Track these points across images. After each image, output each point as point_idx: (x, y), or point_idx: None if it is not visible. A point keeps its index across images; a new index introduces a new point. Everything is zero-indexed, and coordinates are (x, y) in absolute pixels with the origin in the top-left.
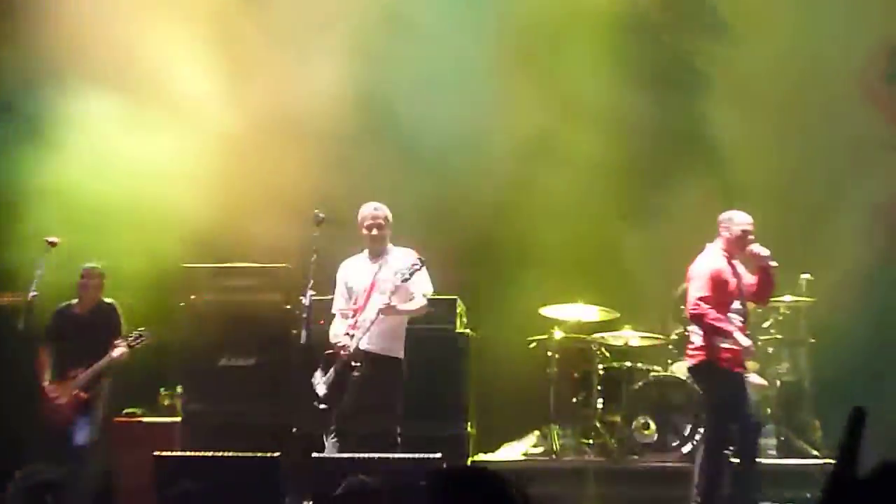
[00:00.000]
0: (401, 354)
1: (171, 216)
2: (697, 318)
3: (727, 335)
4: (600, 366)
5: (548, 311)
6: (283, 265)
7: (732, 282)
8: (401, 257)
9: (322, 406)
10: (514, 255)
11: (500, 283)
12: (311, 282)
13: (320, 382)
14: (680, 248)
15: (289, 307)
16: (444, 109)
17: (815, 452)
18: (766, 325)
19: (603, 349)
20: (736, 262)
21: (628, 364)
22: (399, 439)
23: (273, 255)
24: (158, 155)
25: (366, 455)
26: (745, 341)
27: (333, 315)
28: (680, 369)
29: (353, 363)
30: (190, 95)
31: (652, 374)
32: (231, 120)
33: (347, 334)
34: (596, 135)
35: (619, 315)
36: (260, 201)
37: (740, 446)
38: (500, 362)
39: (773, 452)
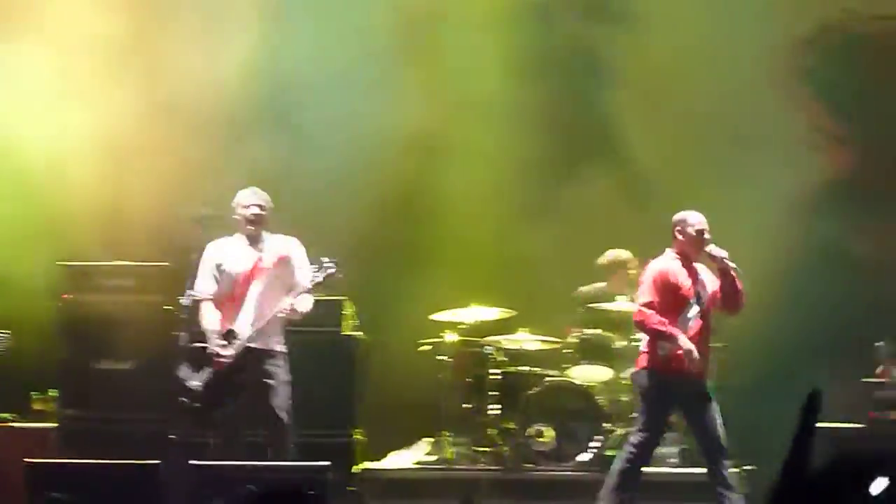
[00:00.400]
0: (285, 348)
1: (42, 211)
2: (639, 325)
3: (671, 339)
4: (494, 371)
5: (441, 315)
6: (163, 264)
7: (684, 285)
8: (281, 245)
9: (195, 405)
10: (407, 254)
11: (392, 284)
12: (192, 282)
13: (193, 378)
14: (581, 247)
15: (169, 308)
16: (333, 101)
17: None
18: None
19: (497, 353)
20: (698, 267)
21: (524, 369)
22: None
23: (152, 253)
24: (29, 144)
25: (249, 463)
26: (686, 344)
27: (197, 299)
28: (578, 374)
29: (236, 363)
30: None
31: (548, 379)
32: (107, 107)
33: (230, 333)
34: (493, 128)
35: (515, 314)
36: (137, 196)
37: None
38: (391, 367)
39: (675, 461)
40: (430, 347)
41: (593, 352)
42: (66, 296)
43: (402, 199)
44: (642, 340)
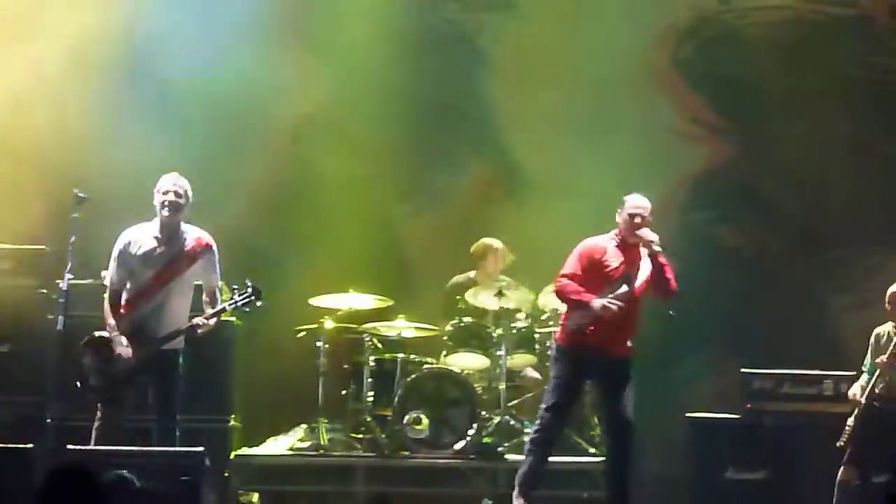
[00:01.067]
0: (182, 344)
1: None
2: (556, 293)
3: (585, 306)
4: (372, 357)
5: (318, 301)
6: (39, 247)
7: (610, 265)
8: (196, 241)
9: (92, 395)
10: (284, 238)
11: (269, 269)
12: (70, 265)
13: (93, 368)
14: (458, 234)
15: (44, 292)
16: (214, 84)
17: (592, 450)
18: (544, 317)
19: (375, 340)
20: (634, 249)
21: (401, 356)
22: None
23: (25, 236)
24: None
25: (125, 448)
26: (597, 304)
27: (105, 287)
28: (455, 362)
29: (141, 363)
30: None
31: (426, 366)
32: None
33: (139, 338)
34: (370, 113)
35: (392, 303)
36: (8, 176)
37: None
38: (268, 352)
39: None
40: (307, 333)
41: (470, 340)
42: None
43: (278, 183)
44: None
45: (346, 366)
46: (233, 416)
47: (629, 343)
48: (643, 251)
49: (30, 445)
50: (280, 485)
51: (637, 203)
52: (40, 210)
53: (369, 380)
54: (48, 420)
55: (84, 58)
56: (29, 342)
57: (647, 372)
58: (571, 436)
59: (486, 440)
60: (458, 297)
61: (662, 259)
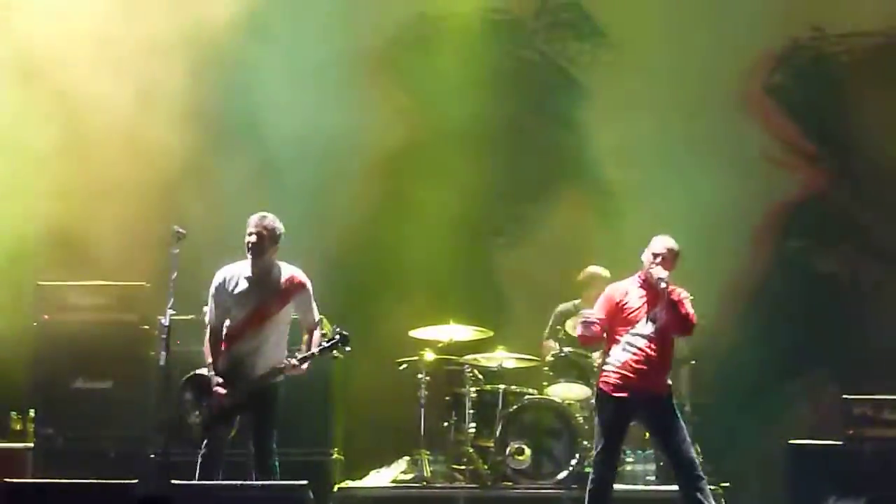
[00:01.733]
0: (280, 377)
1: (15, 231)
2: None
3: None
4: (472, 389)
5: (419, 333)
6: (141, 283)
7: (632, 306)
8: (290, 280)
9: (192, 430)
10: (381, 273)
11: (368, 303)
12: (172, 301)
13: (193, 404)
14: (554, 265)
15: (146, 328)
16: (306, 121)
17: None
18: None
19: (475, 371)
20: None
21: (502, 387)
22: (276, 467)
23: (127, 273)
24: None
25: (228, 483)
26: (619, 356)
27: (207, 325)
28: (556, 392)
29: (237, 402)
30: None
31: (526, 397)
32: (75, 125)
33: (239, 376)
34: (466, 147)
35: (492, 334)
36: (109, 215)
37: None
38: (369, 386)
39: (653, 479)
40: (408, 366)
41: (570, 370)
42: (45, 316)
43: (372, 218)
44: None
45: (447, 397)
46: (335, 448)
47: (666, 379)
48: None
49: (134, 481)
50: None
51: (660, 244)
52: (141, 247)
53: (470, 411)
54: (151, 455)
55: (185, 102)
56: (132, 378)
57: (745, 399)
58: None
59: (587, 470)
60: (560, 326)
61: (675, 296)
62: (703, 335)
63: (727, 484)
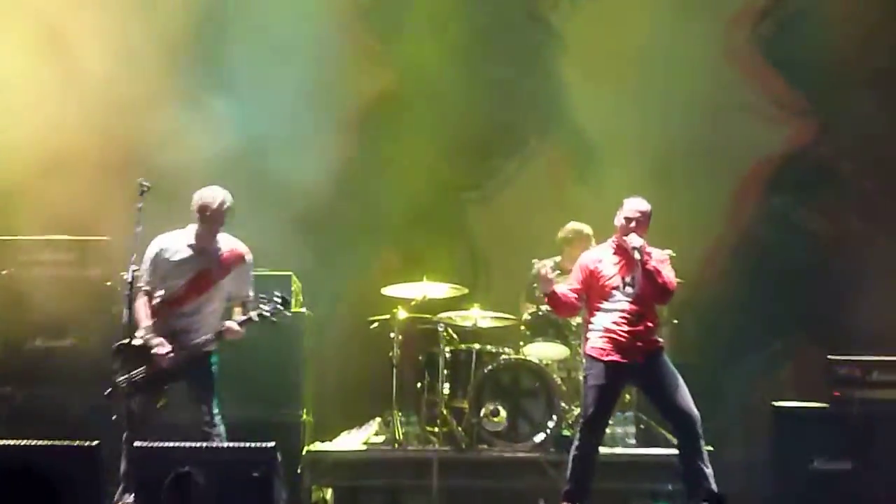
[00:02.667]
0: (215, 346)
1: None
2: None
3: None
4: (447, 348)
5: (391, 290)
6: (104, 238)
7: (607, 273)
8: (231, 251)
9: (122, 403)
10: (352, 227)
11: (337, 258)
12: (136, 256)
13: (121, 373)
14: (531, 221)
15: (109, 284)
16: (277, 72)
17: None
18: None
19: (450, 330)
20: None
21: (477, 346)
22: (218, 429)
23: (90, 226)
24: None
25: (194, 444)
26: (602, 322)
27: (139, 289)
28: (533, 352)
29: (172, 368)
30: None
31: (503, 357)
32: (46, 78)
33: (176, 343)
34: (438, 95)
35: (467, 292)
36: (72, 164)
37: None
38: (339, 345)
39: (633, 442)
40: (379, 324)
41: (548, 329)
42: (2, 272)
43: (349, 170)
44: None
45: (420, 357)
46: (304, 410)
47: (655, 337)
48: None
49: (96, 443)
50: (354, 480)
51: (632, 206)
52: (101, 199)
53: (444, 371)
54: (113, 417)
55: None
56: (94, 336)
57: (726, 361)
58: (655, 427)
59: (565, 432)
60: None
61: (650, 266)
62: (683, 292)
63: (710, 448)
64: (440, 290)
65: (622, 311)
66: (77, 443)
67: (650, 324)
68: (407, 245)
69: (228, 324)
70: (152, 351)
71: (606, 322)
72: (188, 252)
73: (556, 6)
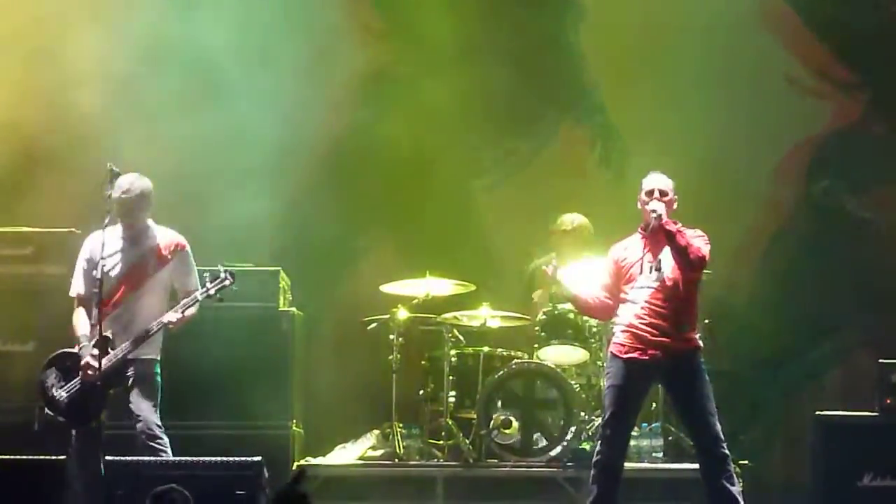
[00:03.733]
0: (157, 354)
1: None
2: None
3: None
4: (452, 352)
5: (390, 287)
6: (69, 230)
7: (630, 258)
8: (166, 243)
9: (60, 418)
10: (347, 216)
11: (332, 254)
12: (105, 249)
13: (57, 387)
14: (546, 210)
15: None
16: (267, 44)
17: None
18: None
19: (455, 332)
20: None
21: (486, 350)
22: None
23: (53, 217)
24: None
25: (174, 459)
26: (625, 315)
27: (75, 298)
28: (548, 355)
29: (108, 374)
30: None
31: (514, 361)
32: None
33: (104, 342)
34: (444, 72)
35: (474, 289)
36: (35, 151)
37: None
38: (332, 347)
39: (660, 456)
40: (377, 325)
41: (564, 329)
42: None
43: (342, 152)
44: None
45: (423, 362)
46: (294, 420)
47: (688, 335)
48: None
49: (62, 457)
50: (350, 499)
51: (651, 181)
52: (66, 186)
53: (450, 378)
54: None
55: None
56: (58, 339)
57: (764, 366)
58: (684, 440)
59: (584, 446)
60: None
61: (671, 227)
62: (715, 290)
63: (746, 462)
64: (445, 286)
65: (646, 300)
66: (42, 457)
67: (680, 317)
68: (407, 237)
69: (168, 315)
70: (80, 363)
71: (629, 315)
72: (118, 248)
73: None
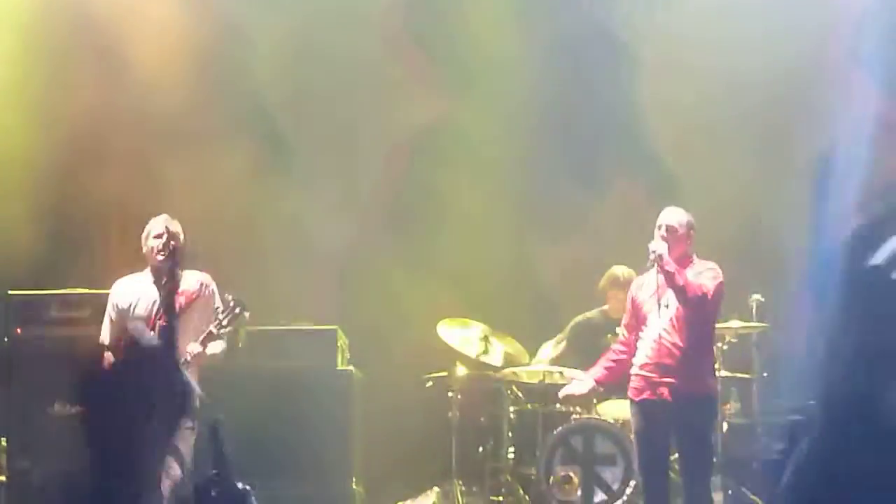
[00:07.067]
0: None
1: None
2: None
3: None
4: (511, 408)
5: (447, 335)
6: None
7: (644, 296)
8: (193, 284)
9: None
10: (403, 273)
11: (387, 309)
12: (162, 309)
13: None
14: (606, 261)
15: None
16: (320, 98)
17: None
18: None
19: (514, 388)
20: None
21: (545, 406)
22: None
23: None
24: None
25: None
26: (639, 357)
27: (104, 346)
28: (607, 410)
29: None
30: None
31: (573, 417)
32: (60, 113)
33: None
34: (502, 123)
35: (526, 355)
36: (90, 212)
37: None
38: (391, 405)
39: None
40: (436, 382)
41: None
42: (17, 331)
43: (400, 209)
44: None
45: (482, 419)
46: (354, 480)
47: (705, 377)
48: (694, 269)
49: None
50: None
51: (664, 217)
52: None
53: (509, 434)
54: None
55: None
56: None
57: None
58: (746, 494)
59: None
60: (589, 337)
61: (668, 267)
62: (773, 339)
63: None
64: (502, 342)
65: (655, 340)
66: None
67: (694, 356)
68: (463, 291)
69: (189, 351)
70: None
71: (642, 355)
72: (145, 291)
73: (627, 23)
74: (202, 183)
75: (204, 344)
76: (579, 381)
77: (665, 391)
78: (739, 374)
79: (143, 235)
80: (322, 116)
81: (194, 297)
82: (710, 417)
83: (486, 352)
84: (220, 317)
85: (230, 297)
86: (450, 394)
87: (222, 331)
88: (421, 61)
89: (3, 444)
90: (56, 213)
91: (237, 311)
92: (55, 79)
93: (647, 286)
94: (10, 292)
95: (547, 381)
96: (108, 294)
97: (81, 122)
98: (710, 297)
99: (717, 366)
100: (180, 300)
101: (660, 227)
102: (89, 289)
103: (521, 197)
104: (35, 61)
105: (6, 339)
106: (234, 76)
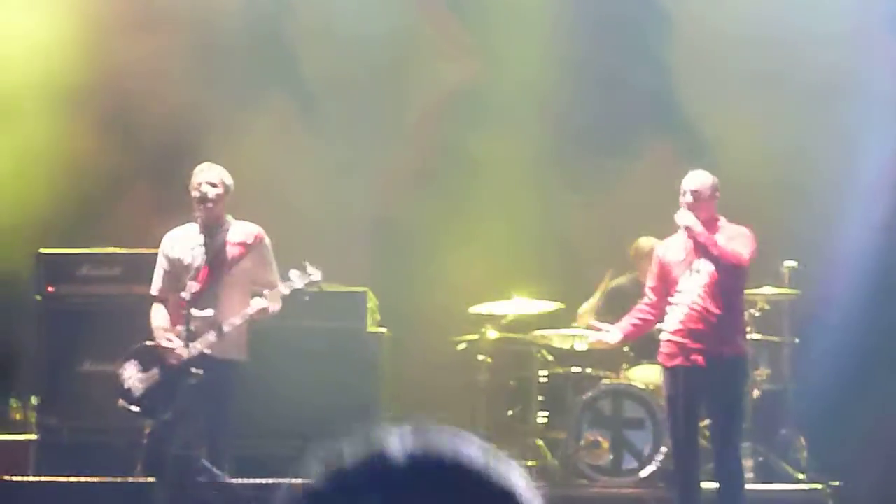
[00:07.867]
0: (244, 356)
1: (19, 193)
2: None
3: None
4: (541, 372)
5: (478, 308)
6: (157, 250)
7: (674, 260)
8: (245, 234)
9: (134, 409)
10: (434, 235)
11: (418, 270)
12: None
13: (134, 378)
14: (639, 225)
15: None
16: (352, 59)
17: (800, 476)
18: None
19: (545, 352)
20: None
21: (576, 370)
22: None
23: (142, 238)
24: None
25: (267, 481)
26: (671, 320)
27: (153, 297)
28: (638, 375)
29: (189, 369)
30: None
31: (604, 381)
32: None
33: (188, 333)
34: (532, 87)
35: (563, 308)
36: (120, 171)
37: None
38: (420, 368)
39: (751, 476)
40: (466, 346)
41: (654, 349)
42: (49, 289)
43: (431, 171)
44: None
45: (511, 382)
46: None
47: (735, 340)
48: (722, 234)
49: (151, 479)
50: None
51: (689, 181)
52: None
53: (539, 398)
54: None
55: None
56: None
57: (858, 381)
58: (775, 461)
59: None
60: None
61: (702, 238)
62: (806, 307)
63: (837, 483)
64: (533, 306)
65: (688, 304)
66: (130, 479)
67: (719, 320)
68: (494, 255)
69: (253, 304)
70: (162, 346)
71: (674, 321)
72: (197, 241)
73: None
74: (233, 144)
75: (270, 299)
76: (607, 332)
77: (699, 358)
78: (770, 338)
79: (194, 182)
80: (354, 78)
81: (248, 248)
82: (742, 378)
83: (517, 316)
84: (295, 279)
85: (307, 263)
86: (480, 357)
87: (295, 293)
88: (453, 23)
89: (34, 401)
90: (84, 173)
91: (313, 277)
92: (79, 39)
93: (674, 249)
94: (41, 251)
95: (576, 344)
96: (138, 253)
97: (112, 83)
98: (745, 264)
99: (748, 329)
100: (234, 251)
101: (684, 193)
102: (120, 248)
103: (553, 163)
104: (67, 13)
105: (38, 297)
106: (267, 37)
